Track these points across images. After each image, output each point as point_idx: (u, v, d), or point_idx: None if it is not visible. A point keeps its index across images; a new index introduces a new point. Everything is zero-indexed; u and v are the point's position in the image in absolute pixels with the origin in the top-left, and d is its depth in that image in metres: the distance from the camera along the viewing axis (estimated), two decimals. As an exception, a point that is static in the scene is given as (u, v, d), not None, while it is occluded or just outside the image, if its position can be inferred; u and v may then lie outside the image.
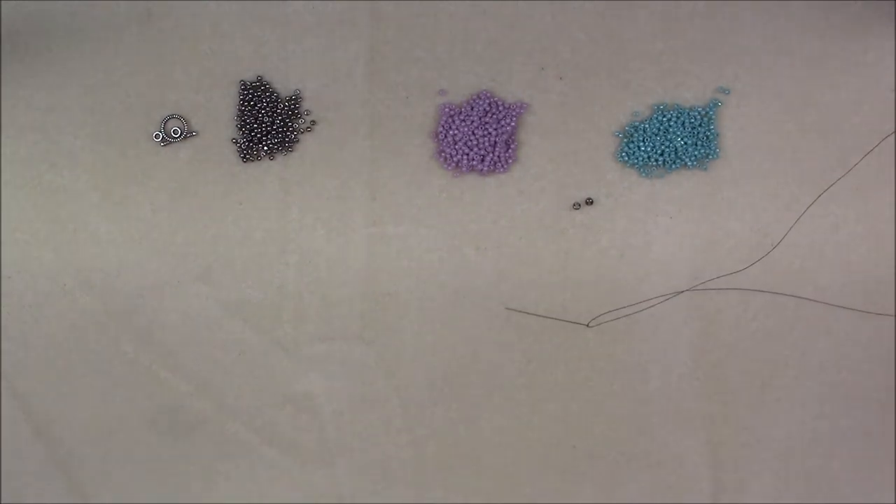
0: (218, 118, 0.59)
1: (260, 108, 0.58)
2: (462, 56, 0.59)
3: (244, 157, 0.59)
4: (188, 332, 0.59)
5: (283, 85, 0.59)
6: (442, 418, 0.60)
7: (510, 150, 0.59)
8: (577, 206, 0.59)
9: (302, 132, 0.59)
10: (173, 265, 0.58)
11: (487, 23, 0.59)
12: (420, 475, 0.60)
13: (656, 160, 0.59)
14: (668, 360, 0.59)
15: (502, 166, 0.59)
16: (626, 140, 0.59)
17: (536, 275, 0.59)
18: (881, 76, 0.59)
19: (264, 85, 0.59)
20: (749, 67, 0.59)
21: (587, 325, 0.59)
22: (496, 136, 0.58)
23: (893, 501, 0.60)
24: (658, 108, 0.59)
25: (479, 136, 0.58)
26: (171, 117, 0.58)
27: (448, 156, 0.58)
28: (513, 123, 0.58)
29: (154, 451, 0.59)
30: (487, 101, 0.59)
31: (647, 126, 0.59)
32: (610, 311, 0.59)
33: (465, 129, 0.58)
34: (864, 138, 0.59)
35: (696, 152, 0.59)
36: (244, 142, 0.58)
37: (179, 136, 0.58)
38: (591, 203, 0.59)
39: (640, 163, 0.59)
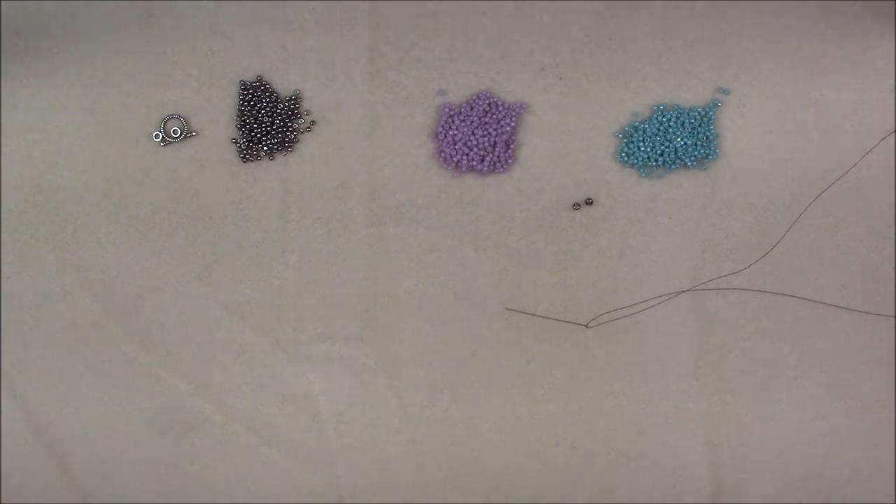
0: (218, 118, 0.59)
1: (260, 108, 0.58)
2: (462, 56, 0.59)
3: (244, 157, 0.59)
4: (188, 332, 0.59)
5: (283, 85, 0.59)
6: (442, 418, 0.60)
7: (510, 151, 0.59)
8: (577, 206, 0.59)
9: (302, 132, 0.59)
10: (173, 265, 0.58)
11: (487, 23, 0.59)
12: (420, 475, 0.60)
13: (656, 160, 0.59)
14: (668, 360, 0.59)
15: (502, 166, 0.59)
16: (626, 140, 0.59)
17: (536, 275, 0.59)
18: (881, 76, 0.59)
19: (264, 85, 0.59)
20: (749, 67, 0.59)
21: (586, 326, 0.59)
22: (496, 136, 0.58)
23: (893, 502, 0.60)
24: (658, 108, 0.59)
25: (479, 136, 0.58)
26: (171, 117, 0.58)
27: (448, 156, 0.58)
28: (513, 123, 0.58)
29: (154, 451, 0.59)
30: (487, 101, 0.59)
31: (646, 126, 0.59)
32: (609, 312, 0.59)
33: (465, 129, 0.58)
34: (864, 138, 0.59)
35: (695, 152, 0.59)
36: (244, 142, 0.58)
37: (179, 136, 0.58)
38: (591, 203, 0.59)
39: (640, 163, 0.59)
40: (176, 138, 0.58)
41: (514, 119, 0.58)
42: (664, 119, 0.59)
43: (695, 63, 0.59)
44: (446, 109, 0.59)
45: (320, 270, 0.59)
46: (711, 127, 0.59)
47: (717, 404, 0.59)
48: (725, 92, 0.59)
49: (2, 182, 0.58)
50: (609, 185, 0.59)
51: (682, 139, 0.59)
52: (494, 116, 0.59)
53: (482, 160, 0.58)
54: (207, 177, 0.59)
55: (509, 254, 0.59)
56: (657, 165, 0.59)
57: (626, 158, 0.59)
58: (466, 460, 0.60)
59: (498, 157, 0.58)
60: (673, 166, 0.59)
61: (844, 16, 0.59)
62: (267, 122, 0.58)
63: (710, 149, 0.59)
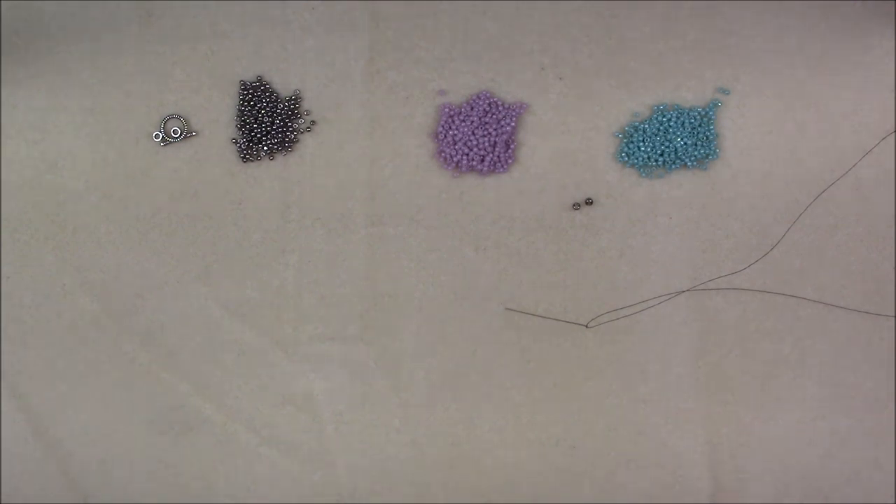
0: (218, 118, 0.59)
1: (260, 108, 0.58)
2: (462, 56, 0.59)
3: (244, 157, 0.59)
4: (188, 332, 0.59)
5: (283, 85, 0.59)
6: (442, 418, 0.60)
7: (510, 151, 0.59)
8: (577, 206, 0.59)
9: (302, 132, 0.59)
10: (173, 265, 0.58)
11: (487, 23, 0.59)
12: (420, 475, 0.60)
13: (656, 160, 0.59)
14: (668, 360, 0.59)
15: (502, 166, 0.59)
16: (626, 140, 0.59)
17: (536, 275, 0.59)
18: (881, 76, 0.59)
19: (264, 85, 0.59)
20: (749, 67, 0.59)
21: (586, 326, 0.59)
22: (496, 136, 0.58)
23: (893, 501, 0.60)
24: (658, 108, 0.59)
25: (479, 136, 0.58)
26: (171, 117, 0.58)
27: (448, 156, 0.58)
28: (513, 123, 0.58)
29: (154, 451, 0.59)
30: (487, 101, 0.59)
31: (647, 126, 0.59)
32: (609, 312, 0.59)
33: (465, 129, 0.58)
34: (864, 138, 0.59)
35: (695, 152, 0.59)
36: (244, 142, 0.58)
37: (179, 136, 0.58)
38: (591, 203, 0.59)
39: (640, 163, 0.59)
40: (176, 138, 0.58)
41: (514, 119, 0.58)
42: (664, 119, 0.59)
43: (695, 63, 0.59)
44: (446, 109, 0.59)
45: (320, 270, 0.59)
46: (711, 127, 0.59)
47: (717, 404, 0.59)
48: (725, 92, 0.59)
49: (2, 182, 0.58)
50: (609, 185, 0.59)
51: (682, 139, 0.59)
52: (494, 116, 0.59)
53: (482, 160, 0.58)
54: (207, 177, 0.59)
55: (509, 254, 0.59)
56: (657, 165, 0.59)
57: (626, 158, 0.59)
58: (466, 460, 0.60)
59: (498, 157, 0.58)
60: (673, 166, 0.59)
61: (844, 16, 0.59)
62: (267, 122, 0.58)
63: (710, 149, 0.59)
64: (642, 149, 0.59)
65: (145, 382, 0.59)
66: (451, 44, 0.59)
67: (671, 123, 0.59)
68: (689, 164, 0.59)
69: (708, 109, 0.59)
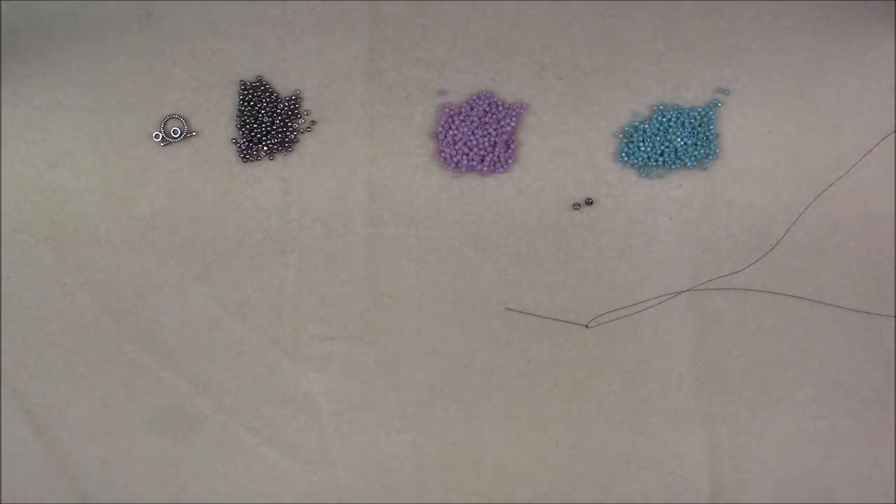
0: (218, 118, 0.59)
1: (260, 108, 0.58)
2: (462, 56, 0.59)
3: (244, 157, 0.59)
4: (188, 332, 0.59)
5: (283, 85, 0.59)
6: (442, 418, 0.60)
7: (510, 150, 0.59)
8: (577, 206, 0.59)
9: (302, 132, 0.59)
10: (173, 265, 0.58)
11: (487, 23, 0.59)
12: (420, 475, 0.60)
13: (656, 160, 0.59)
14: (668, 360, 0.59)
15: (502, 166, 0.59)
16: (626, 140, 0.59)
17: (536, 275, 0.59)
18: (881, 76, 0.59)
19: (264, 85, 0.59)
20: (749, 67, 0.59)
21: (586, 326, 0.59)
22: (496, 136, 0.58)
23: (893, 501, 0.60)
24: (658, 108, 0.59)
25: (479, 136, 0.58)
26: (171, 117, 0.58)
27: (448, 156, 0.58)
28: (513, 123, 0.58)
29: (154, 451, 0.59)
30: (487, 101, 0.59)
31: (646, 126, 0.59)
32: (609, 312, 0.59)
33: (465, 129, 0.58)
34: (863, 138, 0.59)
35: (695, 152, 0.59)
36: (244, 142, 0.58)
37: (179, 136, 0.58)
38: (591, 203, 0.59)
39: (640, 163, 0.59)
40: (176, 138, 0.58)
41: (514, 119, 0.58)
42: (664, 119, 0.59)
43: (695, 63, 0.59)
44: (446, 109, 0.59)
45: (320, 270, 0.59)
46: (711, 127, 0.59)
47: (717, 404, 0.59)
48: (725, 92, 0.59)
49: (2, 182, 0.58)
50: (609, 185, 0.59)
51: (682, 139, 0.59)
52: (494, 116, 0.59)
53: (482, 160, 0.58)
54: (207, 177, 0.59)
55: (509, 254, 0.59)
56: (657, 165, 0.59)
57: (626, 158, 0.59)
58: (466, 460, 0.60)
59: (498, 157, 0.58)
60: (673, 166, 0.59)
61: (844, 16, 0.59)
62: (267, 122, 0.58)
63: (710, 149, 0.59)
64: (642, 149, 0.59)
65: (145, 382, 0.59)
66: (451, 44, 0.59)
67: (671, 123, 0.59)
68: (689, 164, 0.59)
69: (708, 109, 0.59)
